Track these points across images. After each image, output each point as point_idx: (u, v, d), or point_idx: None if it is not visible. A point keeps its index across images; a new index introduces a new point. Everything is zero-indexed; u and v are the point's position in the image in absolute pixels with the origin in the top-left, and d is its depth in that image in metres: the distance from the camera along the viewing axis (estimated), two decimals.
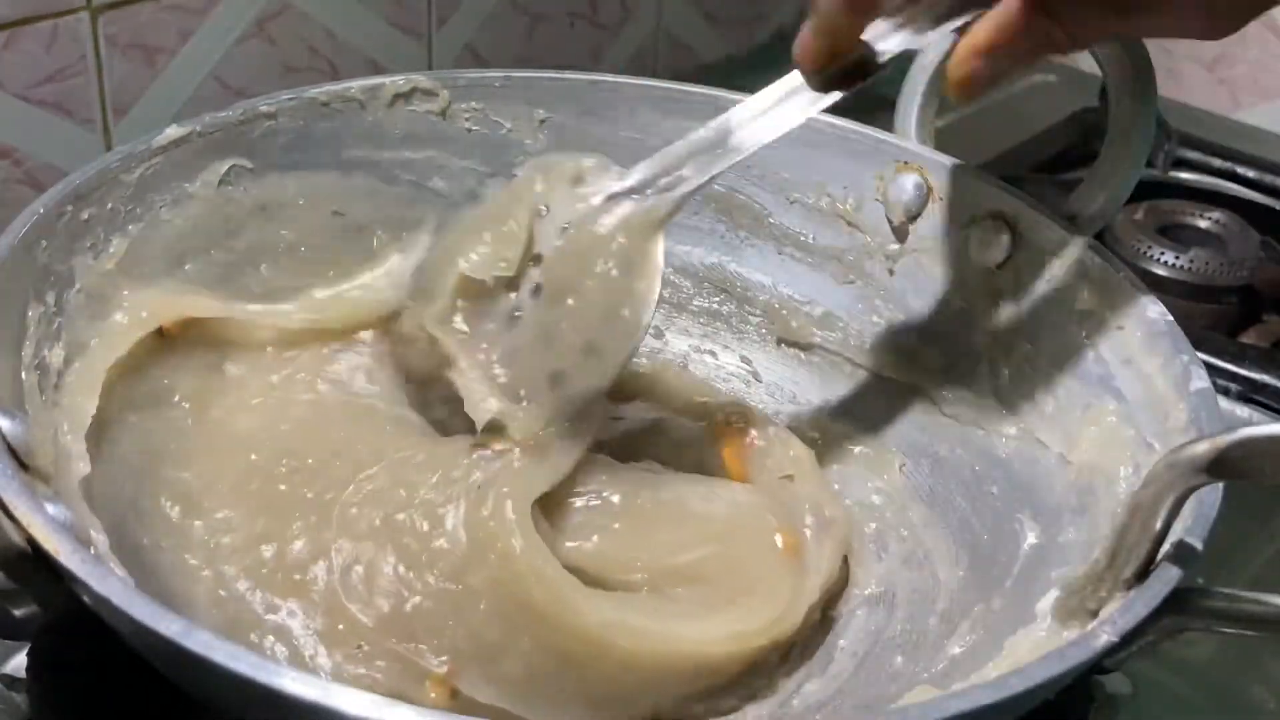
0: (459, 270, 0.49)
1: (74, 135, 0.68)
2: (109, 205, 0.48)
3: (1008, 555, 0.47)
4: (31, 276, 0.44)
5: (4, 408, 0.38)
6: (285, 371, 0.52)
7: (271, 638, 0.43)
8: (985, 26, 0.44)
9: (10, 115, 0.65)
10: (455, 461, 0.46)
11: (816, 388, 0.59)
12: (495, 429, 0.47)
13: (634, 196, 0.48)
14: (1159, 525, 0.36)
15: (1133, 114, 0.50)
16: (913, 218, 0.55)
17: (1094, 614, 0.38)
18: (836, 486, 0.55)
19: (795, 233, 0.59)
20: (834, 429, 0.57)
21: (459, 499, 0.45)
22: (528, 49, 0.87)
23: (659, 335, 0.61)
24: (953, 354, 0.54)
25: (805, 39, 0.45)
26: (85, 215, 0.47)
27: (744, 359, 0.60)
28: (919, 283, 0.55)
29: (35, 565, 0.35)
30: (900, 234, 0.56)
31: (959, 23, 0.46)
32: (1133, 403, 0.46)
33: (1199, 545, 0.37)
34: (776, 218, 0.59)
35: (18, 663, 0.44)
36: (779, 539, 0.48)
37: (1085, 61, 0.96)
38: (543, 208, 0.49)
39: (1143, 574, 0.37)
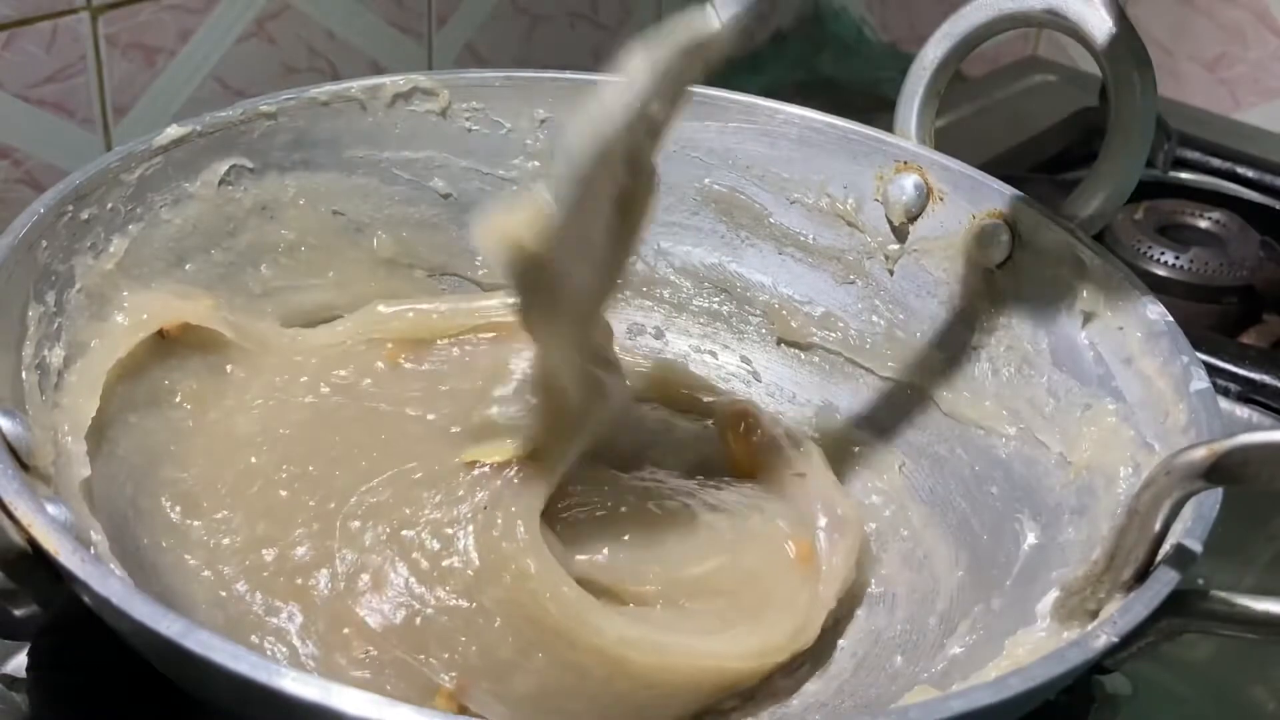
0: None
1: (74, 135, 0.68)
2: (109, 205, 0.48)
3: (1008, 555, 0.47)
4: (31, 276, 0.44)
5: (4, 408, 0.38)
6: (289, 374, 0.52)
7: (272, 639, 0.42)
8: None
9: (10, 115, 0.65)
10: (455, 478, 0.46)
11: (816, 388, 0.59)
12: (489, 437, 0.47)
13: None
14: (1157, 528, 0.36)
15: (1133, 114, 0.50)
16: (913, 218, 0.55)
17: (1094, 615, 0.38)
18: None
19: (795, 233, 0.59)
20: (833, 429, 0.57)
21: (467, 521, 0.44)
22: (528, 49, 0.87)
23: (659, 335, 0.61)
24: (953, 354, 0.54)
25: None
26: (85, 215, 0.47)
27: (744, 359, 0.60)
28: (919, 283, 0.55)
29: (35, 565, 0.35)
30: (900, 234, 0.56)
31: None
32: (1133, 403, 0.46)
33: (1198, 547, 0.37)
34: (776, 218, 0.59)
35: (18, 663, 0.44)
36: (791, 546, 0.48)
37: (1085, 61, 0.96)
38: None
39: (1142, 575, 0.37)
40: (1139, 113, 0.50)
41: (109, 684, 0.42)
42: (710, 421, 0.55)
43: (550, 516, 0.46)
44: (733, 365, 0.60)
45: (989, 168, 0.54)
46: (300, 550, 0.44)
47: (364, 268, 0.57)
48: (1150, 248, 0.73)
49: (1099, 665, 0.36)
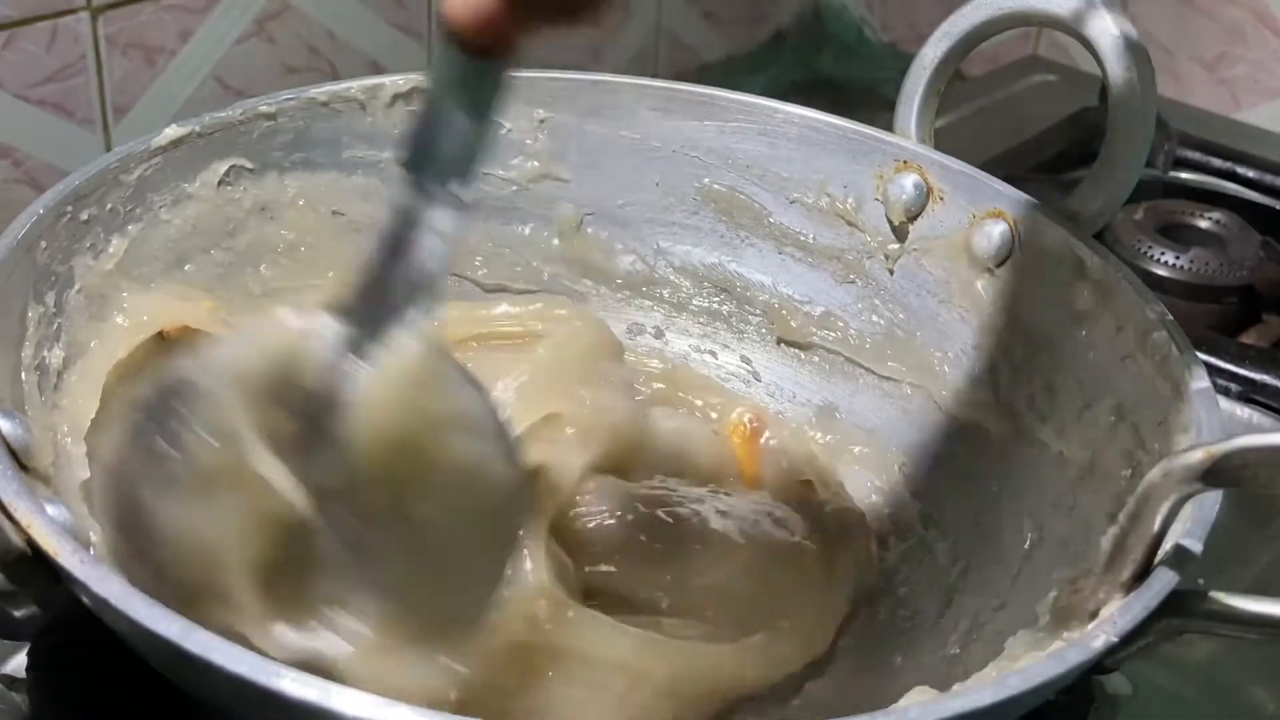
0: None
1: (74, 135, 0.68)
2: (109, 205, 0.48)
3: (1008, 555, 0.47)
4: (31, 277, 0.44)
5: (4, 408, 0.38)
6: None
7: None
8: None
9: (10, 115, 0.65)
10: None
11: (816, 388, 0.59)
12: None
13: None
14: (1156, 529, 0.36)
15: (1133, 114, 0.50)
16: (913, 217, 0.55)
17: (1093, 615, 0.38)
18: None
19: (795, 232, 0.59)
20: (834, 429, 0.57)
21: None
22: (528, 49, 0.87)
23: (659, 335, 0.61)
24: (953, 354, 0.54)
25: None
26: (85, 216, 0.47)
27: (744, 359, 0.60)
28: (919, 282, 0.55)
29: (35, 566, 0.35)
30: (900, 234, 0.56)
31: None
32: (1133, 403, 0.45)
33: (1198, 548, 0.37)
34: (776, 217, 0.59)
35: (18, 663, 0.44)
36: (801, 553, 0.48)
37: (1085, 61, 0.96)
38: None
39: (1141, 576, 0.37)
40: (1139, 113, 0.50)
41: (109, 684, 0.42)
42: (716, 427, 0.55)
43: (559, 527, 0.45)
44: (733, 365, 0.60)
45: (989, 168, 0.54)
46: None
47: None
48: (1150, 248, 0.73)
49: (1099, 665, 0.35)
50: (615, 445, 0.50)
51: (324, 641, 0.36)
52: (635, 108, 0.59)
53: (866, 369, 0.57)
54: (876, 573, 0.51)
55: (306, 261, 0.56)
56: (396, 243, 0.37)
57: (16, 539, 0.34)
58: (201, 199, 0.52)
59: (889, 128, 0.57)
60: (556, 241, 0.60)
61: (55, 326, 0.45)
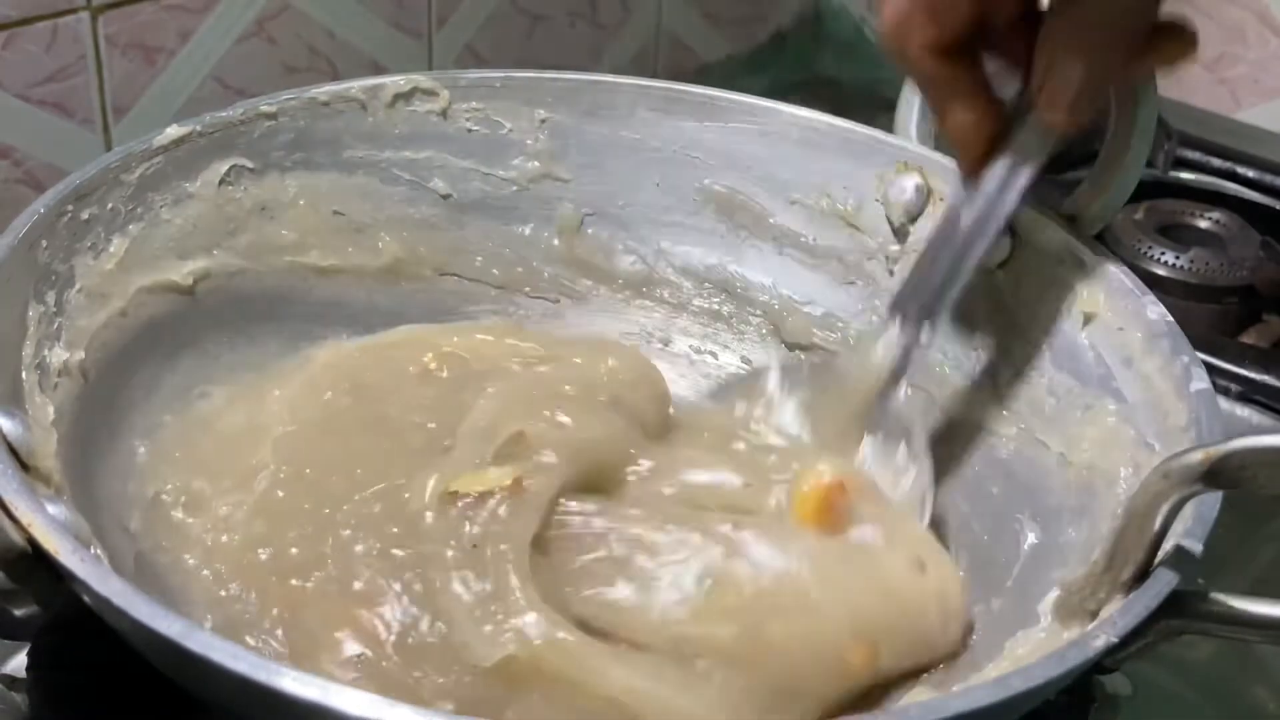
0: None
1: (74, 135, 0.68)
2: (109, 205, 0.48)
3: (1008, 555, 0.47)
4: (31, 276, 0.44)
5: (4, 408, 0.38)
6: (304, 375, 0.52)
7: (265, 636, 0.42)
8: None
9: (10, 115, 0.65)
10: (440, 506, 0.43)
11: None
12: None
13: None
14: (1156, 529, 0.36)
15: (1133, 114, 0.50)
16: (913, 218, 0.55)
17: (1093, 615, 0.38)
18: None
19: (796, 233, 0.59)
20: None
21: (458, 567, 0.42)
22: (528, 49, 0.87)
23: (659, 336, 0.61)
24: (953, 354, 0.54)
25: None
26: (85, 215, 0.47)
27: (744, 359, 0.60)
28: None
29: (35, 565, 0.35)
30: (900, 235, 0.56)
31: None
32: (1133, 403, 0.45)
33: (1198, 548, 0.37)
34: (777, 218, 0.59)
35: (18, 663, 0.44)
36: (848, 650, 0.42)
37: None
38: None
39: (1142, 576, 0.37)
40: (1139, 113, 0.50)
41: (109, 684, 0.42)
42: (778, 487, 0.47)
43: (544, 543, 0.43)
44: (733, 365, 0.60)
45: None
46: (294, 552, 0.44)
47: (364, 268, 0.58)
48: (1150, 248, 0.73)
49: (1099, 665, 0.35)
50: (594, 466, 0.46)
51: None
52: (635, 108, 0.59)
53: None
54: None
55: None
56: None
57: (17, 538, 0.34)
58: (202, 198, 0.52)
59: (889, 128, 0.57)
60: (557, 242, 0.60)
61: (56, 326, 0.45)
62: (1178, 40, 0.45)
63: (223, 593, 0.43)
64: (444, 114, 0.58)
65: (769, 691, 0.41)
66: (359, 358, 0.53)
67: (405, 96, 0.57)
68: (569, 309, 0.61)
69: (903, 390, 0.49)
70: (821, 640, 0.42)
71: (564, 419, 0.46)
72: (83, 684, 0.43)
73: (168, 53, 0.70)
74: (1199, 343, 0.47)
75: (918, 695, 0.42)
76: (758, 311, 0.60)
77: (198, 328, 0.52)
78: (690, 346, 0.61)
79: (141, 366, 0.49)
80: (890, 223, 0.56)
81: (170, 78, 0.70)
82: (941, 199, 0.54)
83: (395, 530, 0.44)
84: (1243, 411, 0.64)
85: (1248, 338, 0.72)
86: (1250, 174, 0.85)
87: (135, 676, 0.38)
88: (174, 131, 0.51)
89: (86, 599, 0.34)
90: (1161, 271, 0.72)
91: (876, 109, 0.59)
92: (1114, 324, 0.47)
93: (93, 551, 0.38)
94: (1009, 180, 0.48)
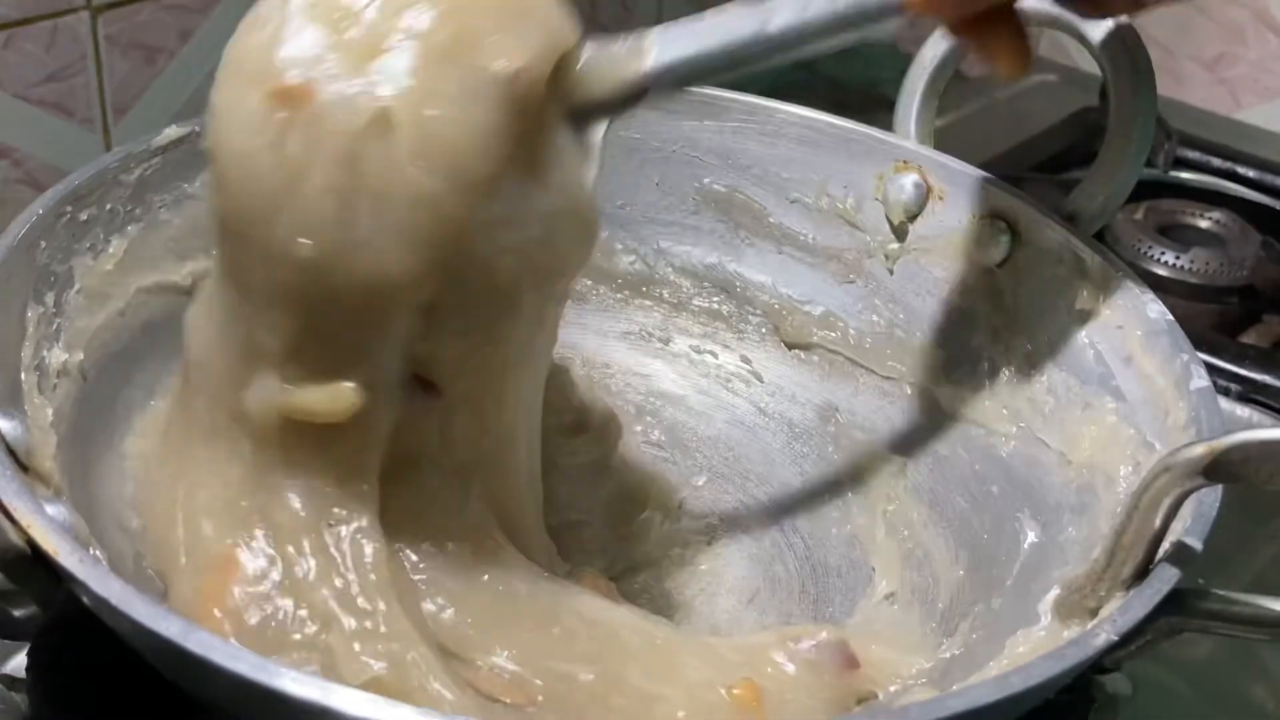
0: None
1: (74, 135, 0.68)
2: (108, 206, 0.48)
3: (1008, 555, 0.47)
4: (31, 277, 0.44)
5: (3, 409, 0.38)
6: None
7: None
8: None
9: (10, 115, 0.65)
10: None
11: (816, 388, 0.58)
12: None
13: None
14: (1156, 526, 0.36)
15: (1133, 114, 0.50)
16: (912, 217, 0.55)
17: (1093, 613, 0.38)
18: (833, 480, 0.55)
19: (795, 232, 0.59)
20: (834, 429, 0.57)
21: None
22: None
23: (659, 335, 0.61)
24: (953, 354, 0.54)
25: None
26: (85, 216, 0.47)
27: (744, 359, 0.60)
28: (919, 282, 0.55)
29: (35, 566, 0.35)
30: (900, 234, 0.56)
31: None
32: (1133, 402, 0.46)
33: (1198, 546, 0.37)
34: (776, 217, 0.59)
35: (18, 663, 0.44)
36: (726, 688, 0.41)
37: (1085, 61, 0.96)
38: None
39: (1141, 574, 0.37)
40: (1139, 113, 0.50)
41: (109, 684, 0.42)
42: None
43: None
44: (733, 365, 0.60)
45: (989, 168, 0.54)
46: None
47: None
48: (1150, 248, 0.73)
49: (1099, 665, 0.36)
50: None
51: None
52: (635, 107, 0.59)
53: (867, 369, 0.57)
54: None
55: None
56: None
57: (16, 538, 0.34)
58: (202, 199, 0.52)
59: (889, 128, 0.57)
60: None
61: (55, 326, 0.45)
62: None
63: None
64: None
65: None
66: None
67: None
68: (569, 308, 0.61)
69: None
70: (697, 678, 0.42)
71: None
72: (83, 684, 0.43)
73: (168, 53, 0.70)
74: (1199, 343, 0.47)
75: (918, 695, 0.42)
76: (757, 311, 0.60)
77: None
78: (690, 346, 0.61)
79: (141, 367, 0.49)
80: (890, 221, 0.56)
81: (170, 78, 0.70)
82: (942, 197, 0.54)
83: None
84: (1243, 411, 0.64)
85: (1248, 338, 0.72)
86: (1250, 174, 0.85)
87: (135, 676, 0.38)
88: (174, 132, 0.51)
89: (86, 599, 0.34)
90: (1161, 271, 0.72)
91: (876, 109, 0.59)
92: (1114, 323, 0.47)
93: (92, 552, 0.38)
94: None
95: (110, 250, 0.48)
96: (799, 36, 0.41)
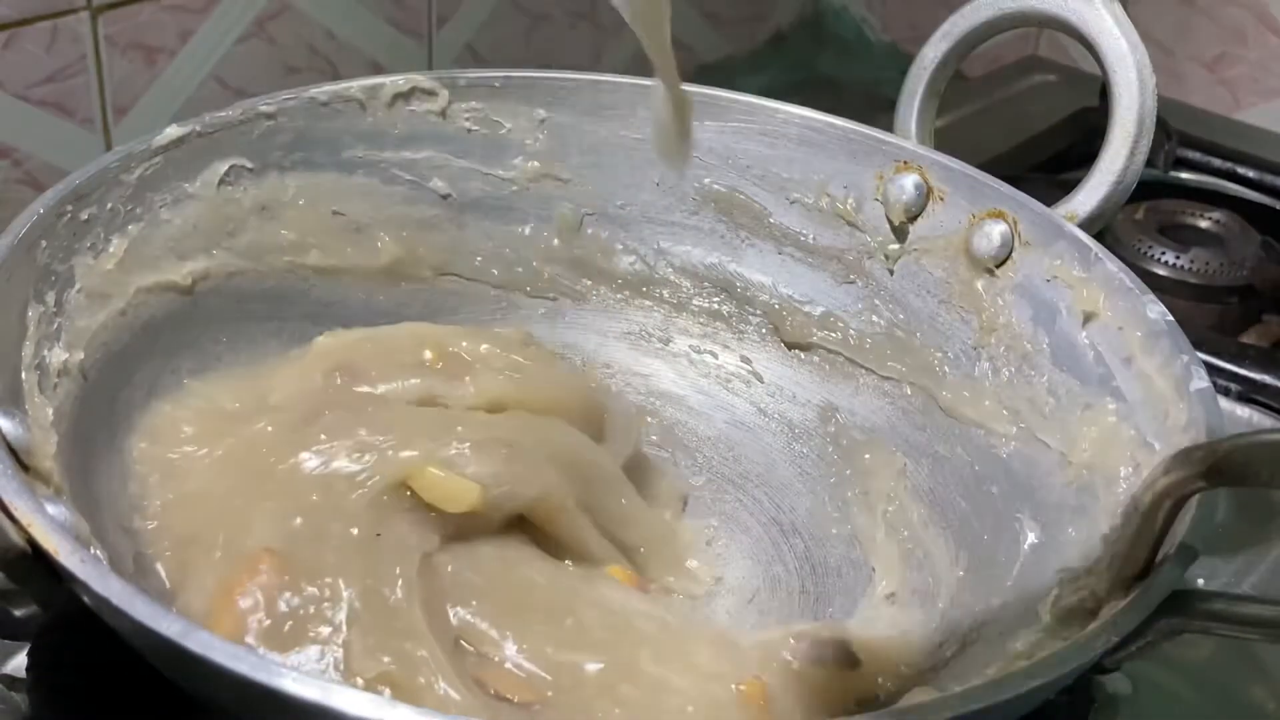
0: None
1: (74, 135, 0.68)
2: (109, 205, 0.48)
3: (1008, 555, 0.47)
4: (31, 276, 0.44)
5: (4, 408, 0.38)
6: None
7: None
8: None
9: (10, 115, 0.65)
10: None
11: (816, 388, 0.58)
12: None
13: None
14: (1157, 528, 0.36)
15: (1132, 114, 0.50)
16: (913, 218, 0.55)
17: (1094, 614, 0.38)
18: (833, 480, 0.55)
19: (795, 232, 0.59)
20: (834, 429, 0.57)
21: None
22: (528, 49, 0.87)
23: (659, 336, 0.61)
24: (953, 354, 0.54)
25: None
26: (85, 215, 0.47)
27: (744, 359, 0.60)
28: (919, 282, 0.55)
29: (35, 565, 0.35)
30: (900, 234, 0.56)
31: None
32: (1133, 402, 0.46)
33: (1199, 548, 0.37)
34: (776, 218, 0.59)
35: (18, 663, 0.44)
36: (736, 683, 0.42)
37: (1085, 61, 0.96)
38: None
39: (1142, 575, 0.37)
40: (1139, 113, 0.50)
41: (109, 684, 0.42)
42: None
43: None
44: (733, 365, 0.60)
45: (989, 168, 0.54)
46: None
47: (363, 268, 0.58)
48: (1150, 248, 0.73)
49: (1099, 665, 0.35)
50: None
51: None
52: (635, 108, 0.59)
53: (866, 369, 0.57)
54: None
55: None
56: None
57: (17, 538, 0.34)
58: (202, 198, 0.52)
59: (889, 128, 0.57)
60: (556, 241, 0.60)
61: (56, 326, 0.45)
62: None
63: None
64: (443, 114, 0.58)
65: None
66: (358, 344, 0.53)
67: (405, 96, 0.57)
68: (569, 309, 0.61)
69: None
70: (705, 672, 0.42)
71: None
72: (83, 684, 0.43)
73: (168, 53, 0.70)
74: (1199, 343, 0.47)
75: (918, 695, 0.42)
76: (757, 311, 0.60)
77: (197, 328, 0.52)
78: (690, 346, 0.61)
79: (141, 366, 0.49)
80: (890, 221, 0.56)
81: (170, 78, 0.70)
82: (942, 198, 0.54)
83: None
84: (1243, 411, 0.64)
85: (1248, 338, 0.72)
86: (1250, 174, 0.85)
87: (135, 676, 0.38)
88: (174, 131, 0.51)
89: (86, 599, 0.34)
90: (1161, 271, 0.72)
91: (876, 109, 0.59)
92: (1114, 323, 0.47)
93: (92, 551, 0.38)
94: None
95: (111, 250, 0.48)
96: None
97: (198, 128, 0.52)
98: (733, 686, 0.41)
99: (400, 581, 0.41)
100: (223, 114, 0.53)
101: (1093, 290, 0.49)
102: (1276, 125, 0.97)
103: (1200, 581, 0.37)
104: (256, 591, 0.39)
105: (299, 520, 0.42)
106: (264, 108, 0.54)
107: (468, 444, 0.45)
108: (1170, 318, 0.46)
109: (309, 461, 0.44)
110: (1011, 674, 0.33)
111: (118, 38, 0.67)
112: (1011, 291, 0.52)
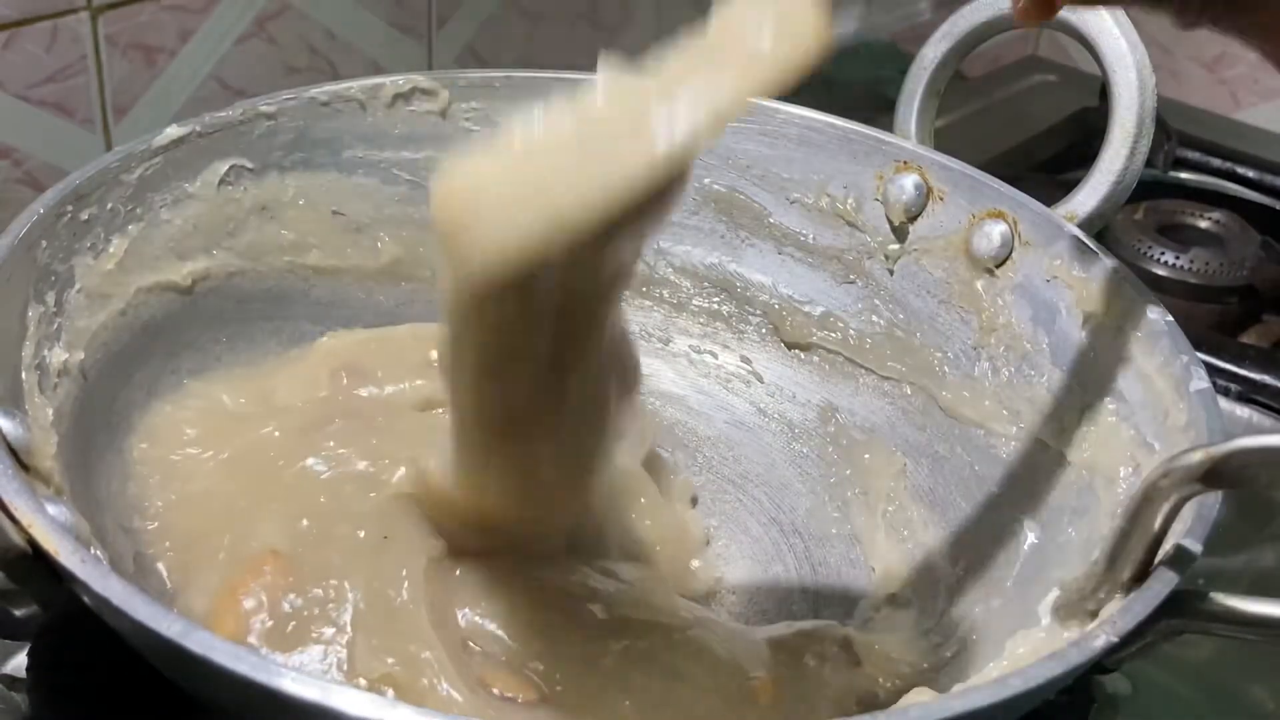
0: None
1: (74, 135, 0.68)
2: (109, 205, 0.48)
3: (1008, 555, 0.47)
4: (31, 276, 0.44)
5: (4, 408, 0.38)
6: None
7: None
8: None
9: (10, 115, 0.65)
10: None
11: (816, 388, 0.59)
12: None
13: None
14: (1156, 529, 0.36)
15: (1132, 114, 0.50)
16: (913, 218, 0.55)
17: (1093, 615, 0.38)
18: (833, 480, 0.55)
19: (795, 232, 0.59)
20: (834, 429, 0.57)
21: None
22: (528, 49, 0.87)
23: (659, 336, 0.61)
24: (953, 354, 0.54)
25: None
26: (85, 215, 0.47)
27: (744, 359, 0.60)
28: (919, 282, 0.55)
29: (35, 565, 0.35)
30: (900, 234, 0.56)
31: None
32: (1133, 403, 0.46)
33: (1198, 548, 0.37)
34: (776, 218, 0.59)
35: (18, 663, 0.44)
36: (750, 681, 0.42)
37: (1085, 61, 0.96)
38: None
39: (1142, 576, 0.37)
40: (1139, 113, 0.50)
41: (109, 684, 0.42)
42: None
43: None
44: (733, 365, 0.60)
45: (989, 168, 0.54)
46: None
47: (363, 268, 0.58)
48: (1150, 248, 0.73)
49: (1099, 665, 0.35)
50: None
51: None
52: None
53: (866, 369, 0.57)
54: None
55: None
56: None
57: (17, 538, 0.34)
58: (202, 198, 0.52)
59: (889, 128, 0.57)
60: None
61: (56, 326, 0.45)
62: None
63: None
64: (443, 114, 0.58)
65: None
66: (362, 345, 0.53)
67: (405, 96, 0.57)
68: None
69: None
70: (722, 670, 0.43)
71: None
72: (83, 684, 0.43)
73: (168, 53, 0.70)
74: (1199, 343, 0.47)
75: (918, 695, 0.42)
76: (757, 311, 0.60)
77: (198, 328, 0.52)
78: (690, 346, 0.61)
79: (141, 366, 0.49)
80: (890, 221, 0.56)
81: (170, 78, 0.70)
82: (942, 198, 0.54)
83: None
84: (1243, 411, 0.64)
85: (1248, 338, 0.72)
86: (1250, 174, 0.85)
87: (135, 676, 0.38)
88: (174, 131, 0.51)
89: (86, 599, 0.34)
90: (1161, 271, 0.72)
91: (876, 109, 0.59)
92: (1114, 324, 0.47)
93: (93, 552, 0.38)
94: None
95: (111, 250, 0.48)
96: None
97: (198, 128, 0.52)
98: (745, 681, 0.42)
99: (406, 584, 0.41)
100: (223, 114, 0.53)
101: (1092, 290, 0.49)
102: (1276, 125, 0.97)
103: (1200, 582, 0.37)
104: (260, 592, 0.40)
105: (305, 522, 0.42)
106: (264, 108, 0.54)
107: None
108: (1170, 318, 0.46)
109: (317, 467, 0.45)
110: (1011, 674, 0.33)
111: (118, 38, 0.67)
112: (1011, 291, 0.52)
